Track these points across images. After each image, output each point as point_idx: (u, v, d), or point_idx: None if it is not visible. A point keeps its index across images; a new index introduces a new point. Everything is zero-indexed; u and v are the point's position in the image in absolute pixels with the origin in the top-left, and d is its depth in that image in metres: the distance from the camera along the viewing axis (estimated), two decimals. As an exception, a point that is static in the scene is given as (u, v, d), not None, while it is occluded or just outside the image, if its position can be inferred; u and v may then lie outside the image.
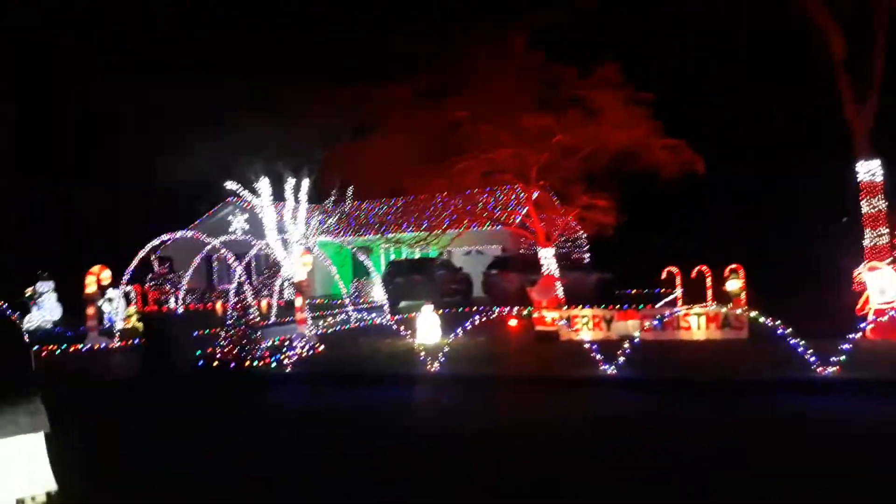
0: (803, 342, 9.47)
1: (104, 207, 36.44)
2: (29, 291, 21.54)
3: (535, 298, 14.01)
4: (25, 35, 36.77)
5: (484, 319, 11.38)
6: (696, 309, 13.20)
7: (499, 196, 28.98)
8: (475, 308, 21.33)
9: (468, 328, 11.24)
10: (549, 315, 13.40)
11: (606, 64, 18.06)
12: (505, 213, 28.55)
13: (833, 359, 9.13)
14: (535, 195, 19.43)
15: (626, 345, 10.16)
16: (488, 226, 27.01)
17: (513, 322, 15.05)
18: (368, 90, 18.04)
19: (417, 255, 27.26)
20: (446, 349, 10.92)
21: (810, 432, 7.21)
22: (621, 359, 9.95)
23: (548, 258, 18.62)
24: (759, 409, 8.26)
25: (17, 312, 18.91)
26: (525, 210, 22.85)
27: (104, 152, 38.73)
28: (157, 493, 6.11)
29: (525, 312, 13.21)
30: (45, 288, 21.46)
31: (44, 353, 15.18)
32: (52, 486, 3.77)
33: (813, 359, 9.23)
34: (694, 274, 18.98)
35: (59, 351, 15.49)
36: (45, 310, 21.28)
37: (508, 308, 14.21)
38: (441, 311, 18.10)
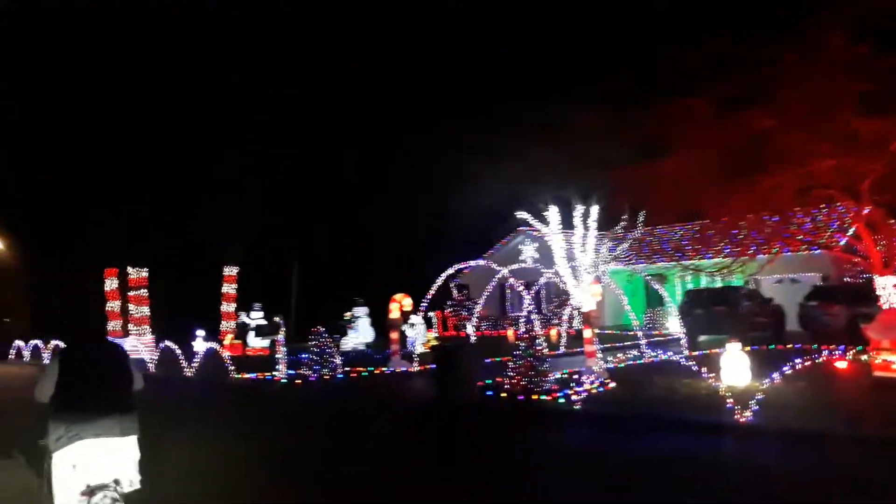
0: None
1: (407, 236, 39.85)
2: (348, 315, 24.04)
3: (874, 337, 11.57)
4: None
5: (805, 361, 9.57)
6: None
7: (817, 216, 25.24)
8: (789, 345, 18.68)
9: (786, 371, 9.60)
10: (893, 358, 10.90)
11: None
12: (825, 235, 24.75)
13: None
14: (865, 212, 16.29)
15: None
16: (804, 250, 23.62)
17: (841, 364, 12.55)
18: (658, 106, 16.79)
19: (719, 284, 24.86)
20: (759, 395, 9.37)
21: None
22: None
23: (887, 288, 15.42)
24: None
25: (336, 335, 21.12)
26: (853, 231, 19.47)
27: (411, 187, 42.31)
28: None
29: (856, 354, 10.91)
30: (361, 313, 23.72)
31: (353, 374, 16.56)
32: (137, 481, 4.88)
33: None
34: None
35: (365, 373, 16.78)
36: (360, 333, 23.49)
37: (833, 347, 11.96)
38: (748, 347, 16.07)
